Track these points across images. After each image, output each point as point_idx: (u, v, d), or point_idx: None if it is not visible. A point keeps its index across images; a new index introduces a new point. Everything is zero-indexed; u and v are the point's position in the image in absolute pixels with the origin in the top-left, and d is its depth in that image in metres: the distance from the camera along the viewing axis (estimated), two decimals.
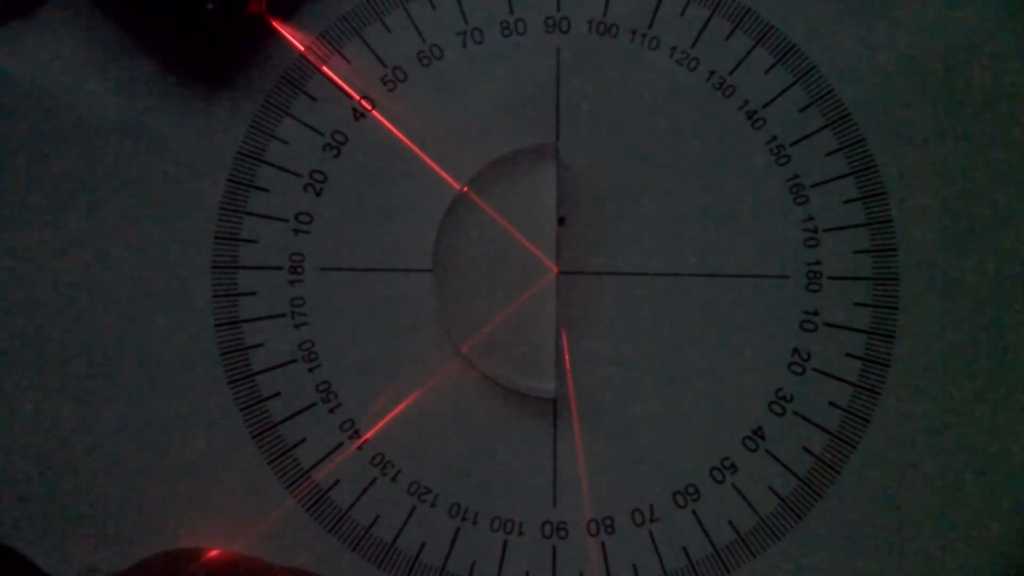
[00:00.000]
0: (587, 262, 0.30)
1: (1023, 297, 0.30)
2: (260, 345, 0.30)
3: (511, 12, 0.31)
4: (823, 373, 0.30)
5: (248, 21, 0.30)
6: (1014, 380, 0.30)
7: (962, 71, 0.31)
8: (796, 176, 0.31)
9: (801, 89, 0.31)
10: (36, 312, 0.30)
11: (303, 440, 0.30)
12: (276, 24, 0.31)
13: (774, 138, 0.31)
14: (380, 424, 0.30)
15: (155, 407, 0.30)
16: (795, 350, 0.30)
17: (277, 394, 0.30)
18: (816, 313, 0.30)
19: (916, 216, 0.30)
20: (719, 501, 0.29)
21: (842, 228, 0.30)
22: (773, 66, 0.31)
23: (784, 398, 0.30)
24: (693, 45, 0.31)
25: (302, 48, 0.31)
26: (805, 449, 0.30)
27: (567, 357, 0.30)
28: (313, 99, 0.31)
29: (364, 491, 0.29)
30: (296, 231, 0.30)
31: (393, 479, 0.29)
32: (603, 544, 0.29)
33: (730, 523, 0.29)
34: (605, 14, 0.31)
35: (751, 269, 0.30)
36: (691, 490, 0.29)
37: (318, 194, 0.30)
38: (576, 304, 0.30)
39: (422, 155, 0.31)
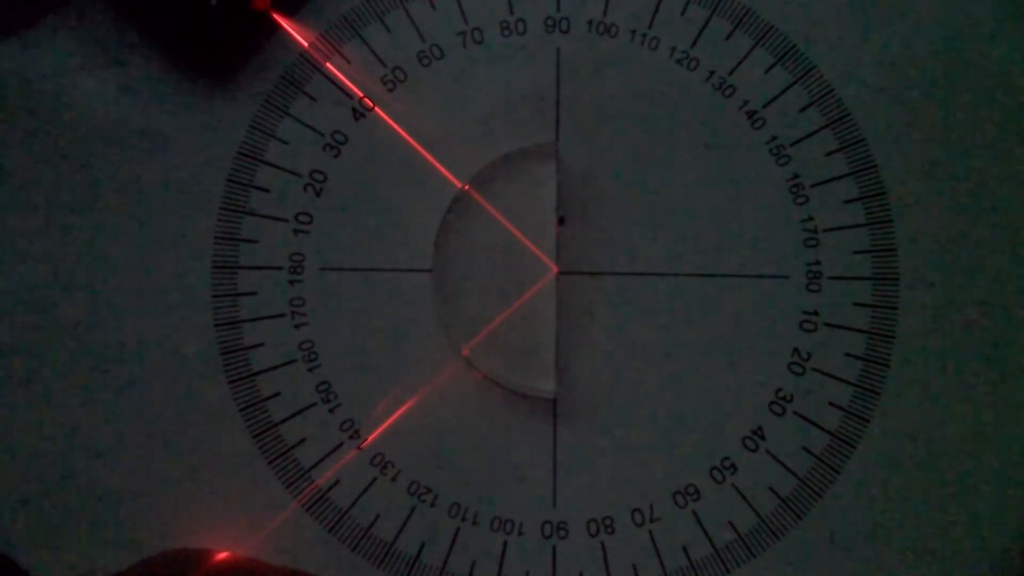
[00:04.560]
0: (587, 262, 0.30)
1: (1023, 297, 0.30)
2: (260, 345, 0.30)
3: (511, 12, 0.31)
4: (823, 373, 0.30)
5: (252, 17, 0.30)
6: (1014, 380, 0.30)
7: (962, 71, 0.31)
8: (796, 176, 0.31)
9: (801, 89, 0.31)
10: (35, 312, 0.30)
11: (303, 440, 0.30)
12: (280, 20, 0.31)
13: (774, 138, 0.31)
14: (381, 425, 0.30)
15: (155, 407, 0.30)
16: (795, 350, 0.30)
17: (277, 394, 0.30)
18: (816, 313, 0.30)
19: (916, 216, 0.30)
20: (719, 501, 0.29)
21: (842, 228, 0.30)
22: (773, 66, 0.31)
23: (784, 398, 0.30)
24: (693, 45, 0.31)
25: (305, 44, 0.31)
26: (805, 449, 0.30)
27: (567, 357, 0.30)
28: (313, 99, 0.31)
29: (364, 491, 0.29)
30: (296, 231, 0.30)
31: (393, 479, 0.29)
32: (603, 544, 0.29)
33: (730, 523, 0.29)
34: (605, 14, 0.31)
35: (751, 269, 0.30)
36: (691, 490, 0.29)
37: (318, 194, 0.30)
38: (576, 304, 0.30)
39: (423, 154, 0.31)
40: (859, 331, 0.30)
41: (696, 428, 0.30)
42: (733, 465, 0.30)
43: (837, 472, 0.29)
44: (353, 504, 0.29)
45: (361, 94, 0.31)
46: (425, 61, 0.31)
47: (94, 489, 0.29)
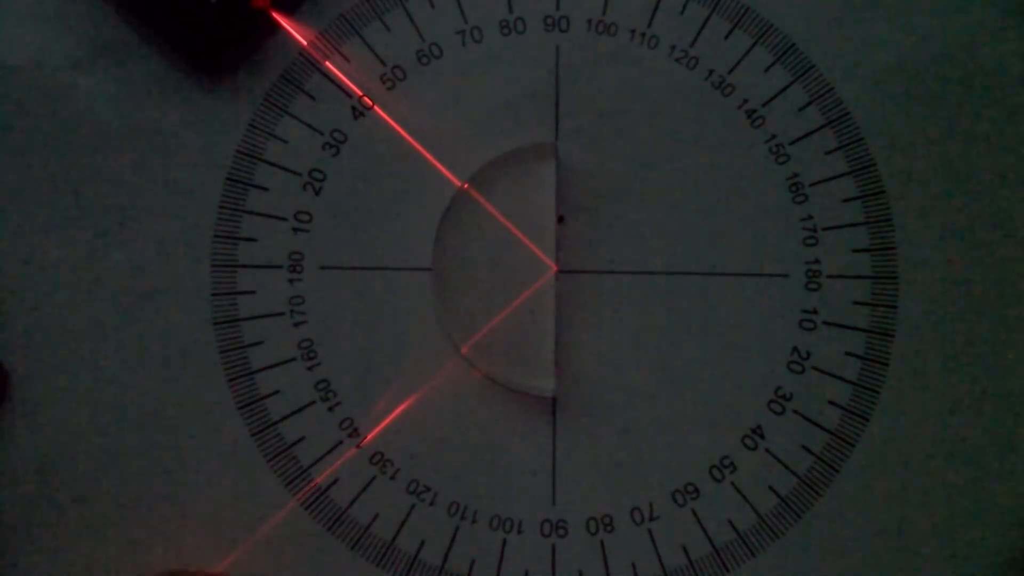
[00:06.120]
0: (586, 261, 0.30)
1: (1022, 296, 0.30)
2: (259, 343, 0.30)
3: (510, 11, 0.31)
4: (822, 372, 0.30)
5: (251, 16, 0.30)
6: (1014, 379, 0.30)
7: (962, 71, 0.31)
8: (795, 175, 0.31)
9: (800, 88, 0.31)
10: (35, 311, 0.30)
11: (302, 439, 0.30)
12: (279, 19, 0.31)
13: (773, 137, 0.31)
14: (380, 424, 0.30)
15: (154, 405, 0.30)
16: (794, 349, 0.30)
17: (276, 392, 0.30)
18: (815, 312, 0.30)
19: (915, 215, 0.30)
20: (718, 500, 0.29)
21: (841, 227, 0.30)
22: (772, 65, 0.31)
23: (783, 397, 0.30)
24: (692, 44, 0.31)
25: (305, 43, 0.31)
26: (804, 448, 0.30)
27: (567, 356, 0.30)
28: (312, 98, 0.31)
29: (363, 490, 0.29)
30: (295, 230, 0.30)
31: (392, 478, 0.29)
32: (602, 543, 0.29)
33: (729, 522, 0.29)
34: (604, 13, 0.31)
35: (750, 268, 0.30)
36: (690, 489, 0.29)
37: (317, 193, 0.30)
38: (575, 303, 0.30)
39: (422, 153, 0.31)
40: (858, 330, 0.30)
41: (695, 427, 0.30)
42: (732, 464, 0.30)
43: (836, 471, 0.29)
44: (352, 502, 0.29)
45: (360, 93, 0.31)
46: (424, 60, 0.31)
47: (93, 489, 0.29)
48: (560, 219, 0.30)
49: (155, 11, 0.30)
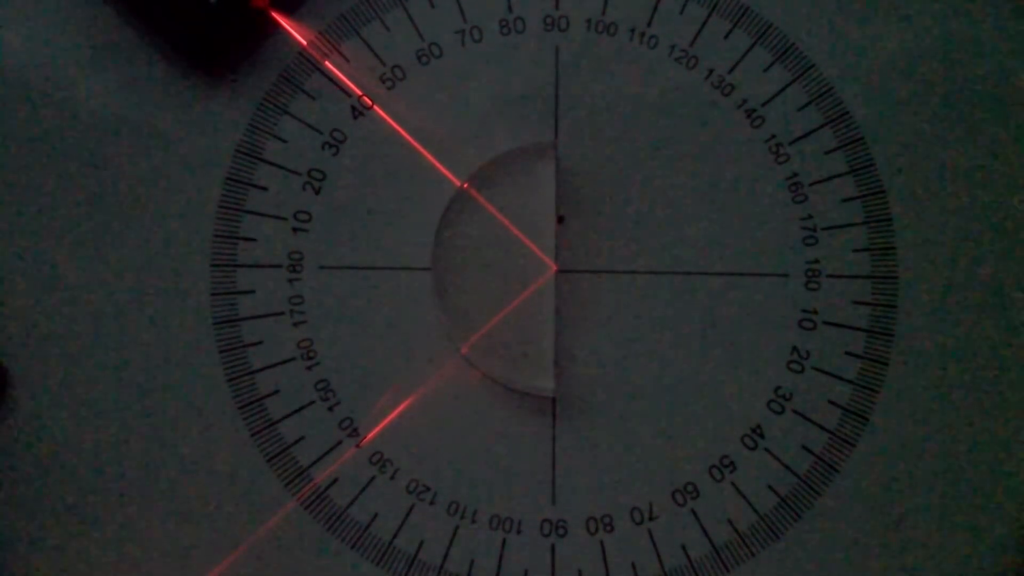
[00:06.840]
0: (586, 260, 0.30)
1: (1023, 296, 0.30)
2: (259, 343, 0.30)
3: (510, 11, 0.31)
4: (822, 371, 0.30)
5: (251, 15, 0.30)
6: (1014, 379, 0.30)
7: (962, 71, 0.31)
8: (795, 174, 0.31)
9: (800, 87, 0.31)
10: (35, 311, 0.30)
11: (302, 438, 0.30)
12: (279, 18, 0.31)
13: (773, 136, 0.31)
14: (380, 424, 0.30)
15: (154, 405, 0.30)
16: (794, 348, 0.30)
17: (276, 392, 0.30)
18: (815, 311, 0.30)
19: (915, 214, 0.30)
20: (718, 500, 0.29)
21: (841, 226, 0.30)
22: (772, 64, 0.31)
23: (783, 396, 0.30)
24: (692, 43, 0.31)
25: (304, 43, 0.31)
26: (804, 448, 0.30)
27: (566, 356, 0.30)
28: (312, 97, 0.31)
29: (363, 489, 0.29)
30: (295, 229, 0.30)
31: (392, 477, 0.29)
32: (602, 542, 0.29)
33: (729, 522, 0.29)
34: (604, 12, 0.31)
35: (750, 267, 0.30)
36: (690, 489, 0.29)
37: (317, 192, 0.31)
38: (575, 302, 0.30)
39: (422, 153, 0.31)
40: (858, 329, 0.30)
41: (695, 426, 0.30)
42: (732, 463, 0.30)
43: (836, 470, 0.29)
44: (352, 502, 0.29)
45: (360, 92, 0.31)
46: (424, 59, 0.31)
47: (92, 488, 0.29)
48: (560, 219, 0.30)
49: (155, 11, 0.30)
